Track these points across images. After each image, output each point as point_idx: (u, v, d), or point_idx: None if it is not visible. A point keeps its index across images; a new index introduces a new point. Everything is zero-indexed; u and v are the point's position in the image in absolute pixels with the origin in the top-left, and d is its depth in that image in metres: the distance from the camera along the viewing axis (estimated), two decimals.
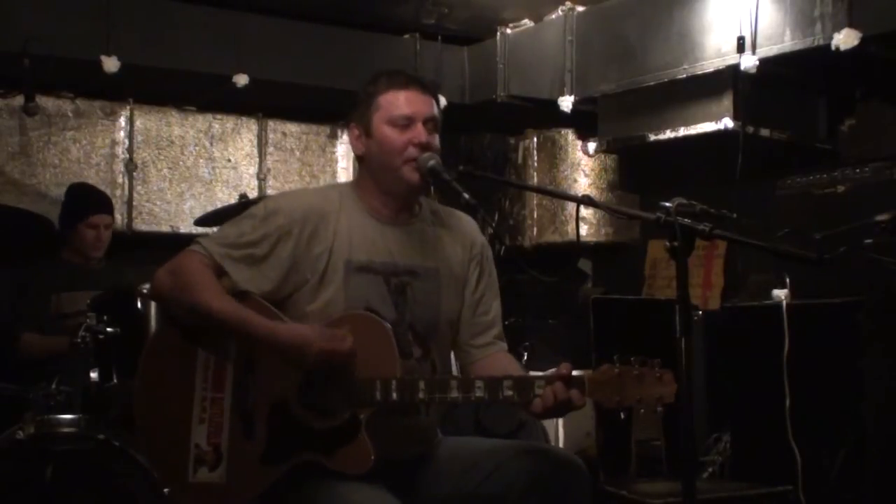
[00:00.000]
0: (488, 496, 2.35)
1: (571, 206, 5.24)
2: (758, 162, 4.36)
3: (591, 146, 5.11)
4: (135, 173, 5.10)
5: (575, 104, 5.01)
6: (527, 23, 5.34)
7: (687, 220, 2.09)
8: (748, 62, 4.18)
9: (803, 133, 4.56)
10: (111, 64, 4.51)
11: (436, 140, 2.46)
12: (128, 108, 5.11)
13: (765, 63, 4.18)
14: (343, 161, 5.67)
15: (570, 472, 2.34)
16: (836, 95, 4.57)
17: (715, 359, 4.52)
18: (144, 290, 3.40)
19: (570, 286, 5.67)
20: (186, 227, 5.08)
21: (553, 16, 5.17)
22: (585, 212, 5.07)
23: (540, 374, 2.32)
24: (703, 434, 4.46)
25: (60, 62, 4.37)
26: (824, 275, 3.31)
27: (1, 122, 4.81)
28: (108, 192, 4.67)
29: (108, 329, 3.29)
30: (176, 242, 2.99)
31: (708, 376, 4.52)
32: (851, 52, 3.88)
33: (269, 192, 5.36)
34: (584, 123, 5.20)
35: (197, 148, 5.28)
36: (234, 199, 4.80)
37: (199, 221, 4.51)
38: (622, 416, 2.23)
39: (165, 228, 5.17)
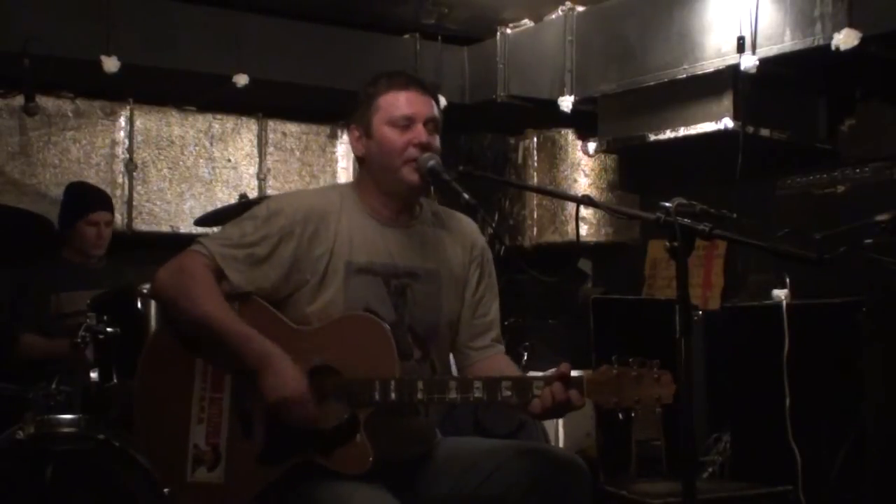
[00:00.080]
0: (488, 497, 2.35)
1: (571, 206, 5.23)
2: (758, 162, 4.36)
3: (591, 146, 5.11)
4: (135, 173, 5.10)
5: (575, 104, 5.01)
6: (527, 23, 5.34)
7: (687, 220, 2.09)
8: (748, 62, 4.18)
9: (803, 133, 4.56)
10: (111, 64, 4.52)
11: (436, 141, 2.46)
12: (128, 108, 5.11)
13: (765, 63, 4.18)
14: (343, 161, 5.67)
15: (571, 473, 2.34)
16: (836, 95, 4.57)
17: (715, 359, 4.52)
18: (144, 290, 3.40)
19: (570, 286, 5.67)
20: (186, 227, 5.08)
21: (553, 16, 5.17)
22: (585, 212, 5.07)
23: (539, 374, 2.32)
24: (703, 434, 4.46)
25: (60, 62, 4.37)
26: (824, 275, 3.31)
27: (1, 122, 4.82)
28: (108, 192, 4.66)
29: (108, 329, 3.28)
30: (176, 242, 2.99)
31: (708, 376, 4.52)
32: (851, 52, 3.88)
33: (270, 192, 5.36)
34: (584, 123, 5.20)
35: (197, 148, 5.28)
36: (234, 199, 4.79)
37: (199, 221, 4.51)
38: (620, 416, 2.23)
39: (165, 228, 5.17)
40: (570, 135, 5.42)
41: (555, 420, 4.45)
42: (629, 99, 4.80)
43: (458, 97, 5.48)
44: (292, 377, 2.25)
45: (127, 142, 5.09)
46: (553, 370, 2.24)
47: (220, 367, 2.36)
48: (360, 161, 2.51)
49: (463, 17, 5.25)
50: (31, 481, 2.94)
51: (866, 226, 3.41)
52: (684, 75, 4.49)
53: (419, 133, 2.41)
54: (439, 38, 5.40)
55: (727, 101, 4.37)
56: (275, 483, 2.30)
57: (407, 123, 2.42)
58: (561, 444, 4.42)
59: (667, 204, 2.11)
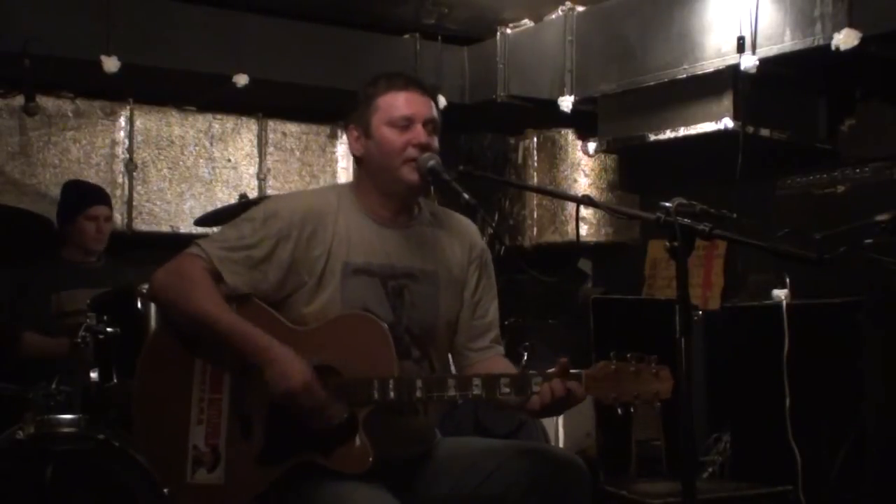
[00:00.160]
0: (488, 497, 2.35)
1: (571, 206, 5.23)
2: (758, 162, 4.36)
3: (591, 146, 5.11)
4: (135, 173, 5.10)
5: (575, 104, 5.01)
6: (527, 23, 5.33)
7: (687, 220, 2.09)
8: (748, 62, 4.18)
9: (803, 133, 4.56)
10: (111, 64, 4.52)
11: (435, 142, 2.46)
12: (128, 108, 5.11)
13: (765, 63, 4.18)
14: (343, 161, 5.66)
15: (571, 473, 2.34)
16: (836, 95, 4.57)
17: (715, 359, 4.52)
18: (144, 290, 3.40)
19: (570, 286, 5.66)
20: (186, 227, 5.08)
21: (553, 16, 5.17)
22: (585, 212, 5.07)
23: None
24: (703, 434, 4.46)
25: (60, 62, 4.37)
26: (824, 275, 3.31)
27: (1, 122, 4.81)
28: (108, 192, 4.66)
29: (108, 329, 3.28)
30: (176, 242, 2.99)
31: (708, 376, 4.52)
32: (851, 52, 3.87)
33: (269, 192, 5.36)
34: (584, 123, 5.20)
35: (197, 148, 5.27)
36: (234, 199, 4.79)
37: (199, 221, 4.51)
38: (619, 412, 2.22)
39: (165, 228, 5.17)
40: (570, 135, 5.42)
41: (555, 420, 4.45)
42: (629, 99, 4.80)
43: (457, 97, 5.48)
44: (297, 367, 2.25)
45: (127, 142, 5.09)
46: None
47: (220, 366, 2.36)
48: (359, 161, 2.51)
49: (463, 17, 5.25)
50: (31, 481, 2.94)
51: (866, 226, 3.40)
52: (684, 75, 4.49)
53: (418, 133, 2.41)
54: (439, 38, 5.39)
55: (727, 101, 4.37)
56: (275, 483, 2.30)
57: (406, 124, 2.42)
58: (561, 444, 4.42)
59: (667, 204, 2.11)
